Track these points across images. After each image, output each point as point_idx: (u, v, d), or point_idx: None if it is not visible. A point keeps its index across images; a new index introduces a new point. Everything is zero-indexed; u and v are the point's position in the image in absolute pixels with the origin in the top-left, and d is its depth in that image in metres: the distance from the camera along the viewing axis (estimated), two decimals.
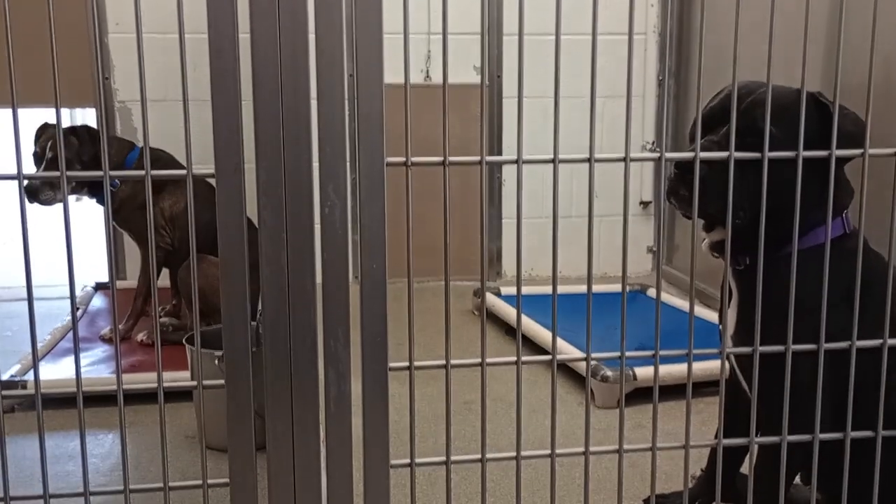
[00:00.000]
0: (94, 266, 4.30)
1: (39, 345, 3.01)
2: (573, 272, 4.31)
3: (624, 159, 1.18)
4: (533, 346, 3.10)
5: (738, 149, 1.22)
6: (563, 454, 1.25)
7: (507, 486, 2.11)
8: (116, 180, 3.08)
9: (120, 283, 3.79)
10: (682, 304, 3.51)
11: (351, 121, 1.09)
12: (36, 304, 1.13)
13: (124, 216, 3.18)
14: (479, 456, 1.21)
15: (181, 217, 3.20)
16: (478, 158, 1.14)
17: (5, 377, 2.63)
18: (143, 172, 1.11)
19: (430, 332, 3.44)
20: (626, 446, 1.25)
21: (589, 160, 1.17)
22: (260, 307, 1.14)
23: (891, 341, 1.30)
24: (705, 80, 1.25)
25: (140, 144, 3.31)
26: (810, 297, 1.34)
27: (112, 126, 4.04)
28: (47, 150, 3.09)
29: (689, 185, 1.48)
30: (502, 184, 4.32)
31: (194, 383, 1.17)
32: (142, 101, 1.09)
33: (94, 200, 3.27)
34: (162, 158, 3.19)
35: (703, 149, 1.47)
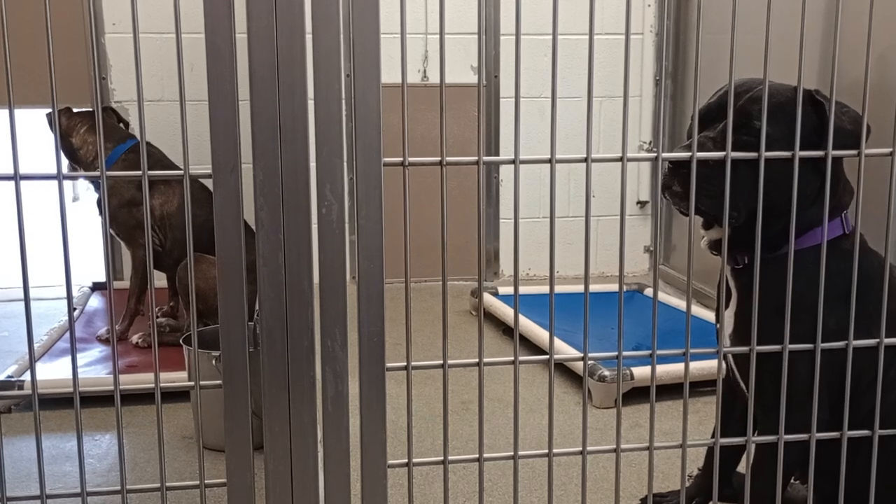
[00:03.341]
0: (90, 266, 4.29)
1: (36, 345, 3.01)
2: (571, 272, 4.31)
3: (621, 159, 1.18)
4: (530, 345, 3.10)
5: (733, 145, 1.22)
6: (561, 454, 1.25)
7: (504, 486, 2.11)
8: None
9: (117, 284, 3.79)
10: (679, 303, 3.51)
11: (348, 121, 1.09)
12: (33, 304, 1.13)
13: (109, 214, 3.10)
14: (476, 455, 1.22)
15: (172, 217, 3.14)
16: (475, 158, 1.15)
17: (2, 378, 2.63)
18: (138, 173, 1.11)
19: (427, 333, 3.44)
20: (623, 446, 1.25)
21: (586, 160, 1.17)
22: (257, 307, 1.14)
23: (887, 340, 1.31)
24: (702, 80, 1.25)
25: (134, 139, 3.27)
26: (809, 297, 1.34)
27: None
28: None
29: (683, 179, 1.49)
30: (500, 184, 4.32)
31: (191, 383, 1.17)
32: (138, 101, 1.09)
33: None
34: (153, 155, 3.15)
35: (699, 144, 1.47)
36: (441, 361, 1.19)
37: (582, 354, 1.23)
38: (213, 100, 1.07)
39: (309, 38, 1.07)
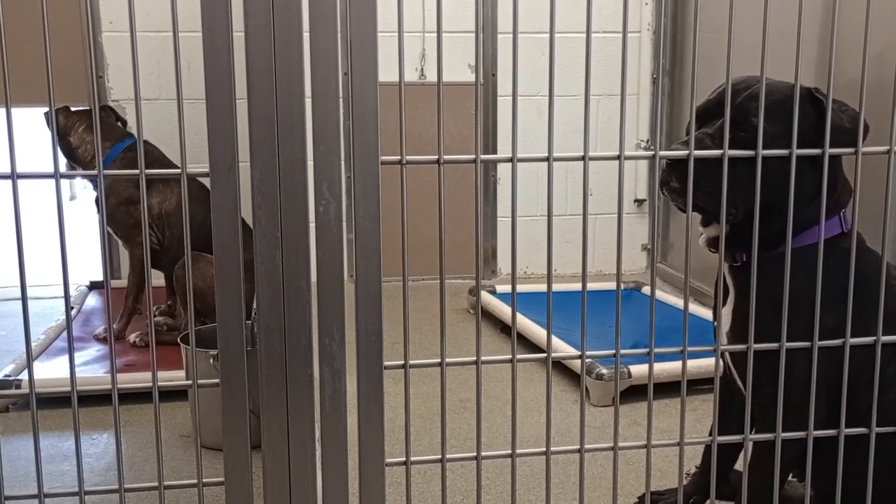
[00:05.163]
0: (88, 265, 4.29)
1: (34, 344, 3.01)
2: (568, 270, 4.31)
3: (618, 157, 1.18)
4: (528, 343, 3.10)
5: (731, 141, 1.22)
6: (558, 452, 1.25)
7: (502, 484, 2.11)
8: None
9: (114, 283, 3.78)
10: (676, 301, 3.52)
11: (345, 119, 1.09)
12: (30, 303, 1.13)
13: (107, 212, 3.09)
14: (474, 454, 1.22)
15: (170, 215, 3.13)
16: (473, 157, 1.15)
17: (0, 377, 2.63)
18: (136, 172, 1.10)
19: (425, 331, 3.44)
20: (620, 444, 1.25)
21: (583, 158, 1.17)
22: (255, 306, 1.14)
23: (884, 338, 1.31)
24: (700, 78, 1.25)
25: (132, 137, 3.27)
26: (807, 295, 1.34)
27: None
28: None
29: (681, 175, 1.49)
30: (497, 182, 4.32)
31: (189, 382, 1.17)
32: (136, 100, 1.09)
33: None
34: (151, 154, 3.14)
35: (697, 140, 1.47)
36: (439, 360, 1.19)
37: (580, 352, 1.23)
38: (211, 98, 1.07)
39: (306, 36, 1.07)
